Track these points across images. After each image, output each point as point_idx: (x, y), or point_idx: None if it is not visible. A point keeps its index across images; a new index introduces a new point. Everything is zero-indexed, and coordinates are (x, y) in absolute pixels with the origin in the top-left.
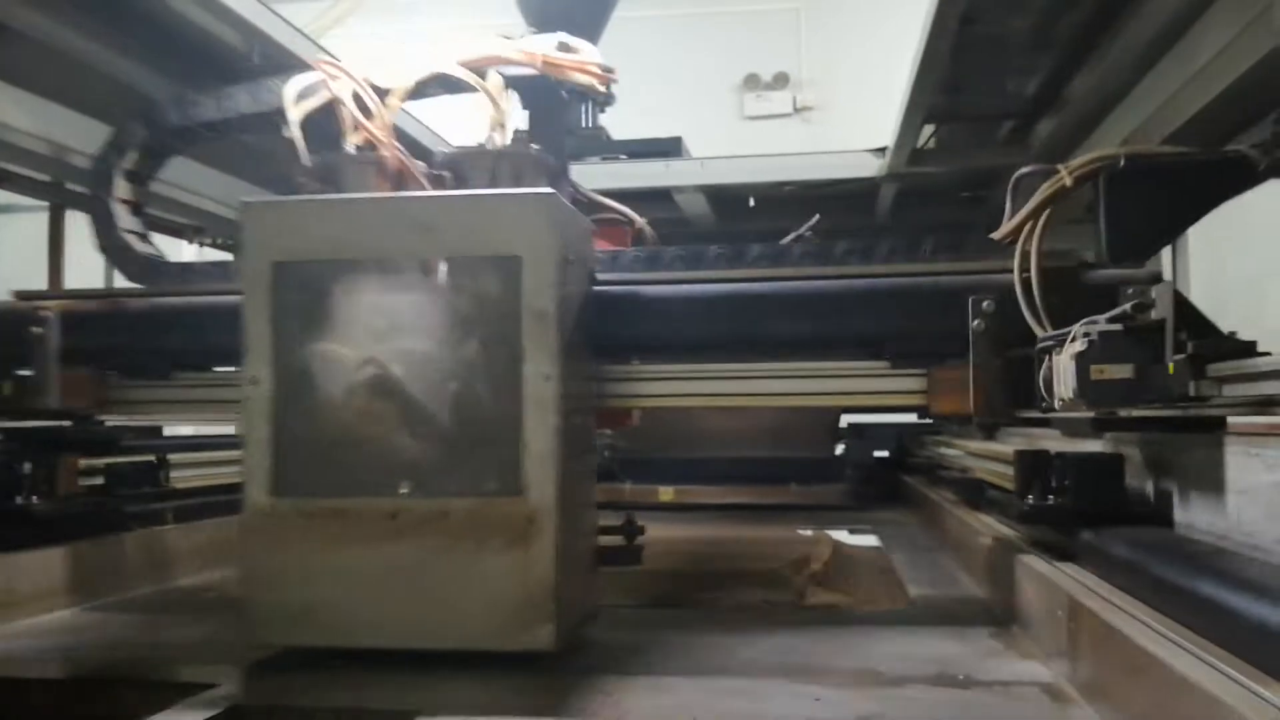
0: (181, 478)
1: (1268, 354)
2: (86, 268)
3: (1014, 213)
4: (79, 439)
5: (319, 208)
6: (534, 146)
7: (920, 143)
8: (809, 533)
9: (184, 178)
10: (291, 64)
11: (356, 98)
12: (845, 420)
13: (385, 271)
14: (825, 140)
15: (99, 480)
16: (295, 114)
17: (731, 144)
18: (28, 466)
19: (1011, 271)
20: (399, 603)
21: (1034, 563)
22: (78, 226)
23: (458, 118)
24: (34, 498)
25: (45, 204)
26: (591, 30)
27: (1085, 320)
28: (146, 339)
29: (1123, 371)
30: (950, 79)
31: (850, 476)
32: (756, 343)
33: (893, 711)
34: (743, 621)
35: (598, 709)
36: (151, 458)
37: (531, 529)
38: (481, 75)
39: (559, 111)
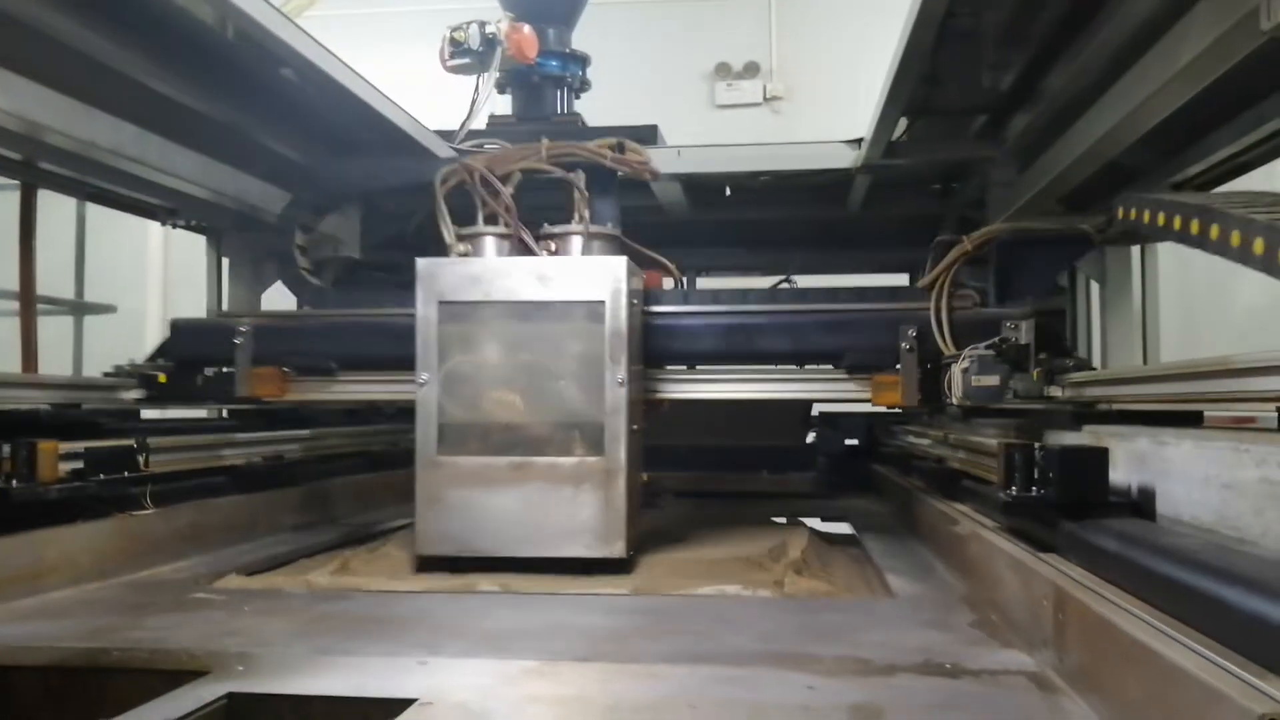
0: (160, 462)
1: (1094, 369)
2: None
3: (933, 268)
4: (57, 422)
5: (470, 264)
6: (609, 225)
7: (895, 135)
8: (783, 520)
9: (158, 158)
10: (266, 42)
11: (484, 182)
12: (818, 409)
13: (514, 308)
14: (794, 130)
15: (78, 464)
16: (441, 193)
17: (703, 132)
18: (6, 449)
19: (928, 309)
20: (523, 527)
21: (1016, 553)
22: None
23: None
24: (13, 481)
25: None
26: (568, 18)
27: (971, 346)
28: (317, 345)
29: (991, 381)
30: (928, 72)
31: (822, 465)
32: (754, 356)
33: (885, 700)
34: (724, 609)
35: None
36: (131, 441)
37: (610, 479)
38: (568, 167)
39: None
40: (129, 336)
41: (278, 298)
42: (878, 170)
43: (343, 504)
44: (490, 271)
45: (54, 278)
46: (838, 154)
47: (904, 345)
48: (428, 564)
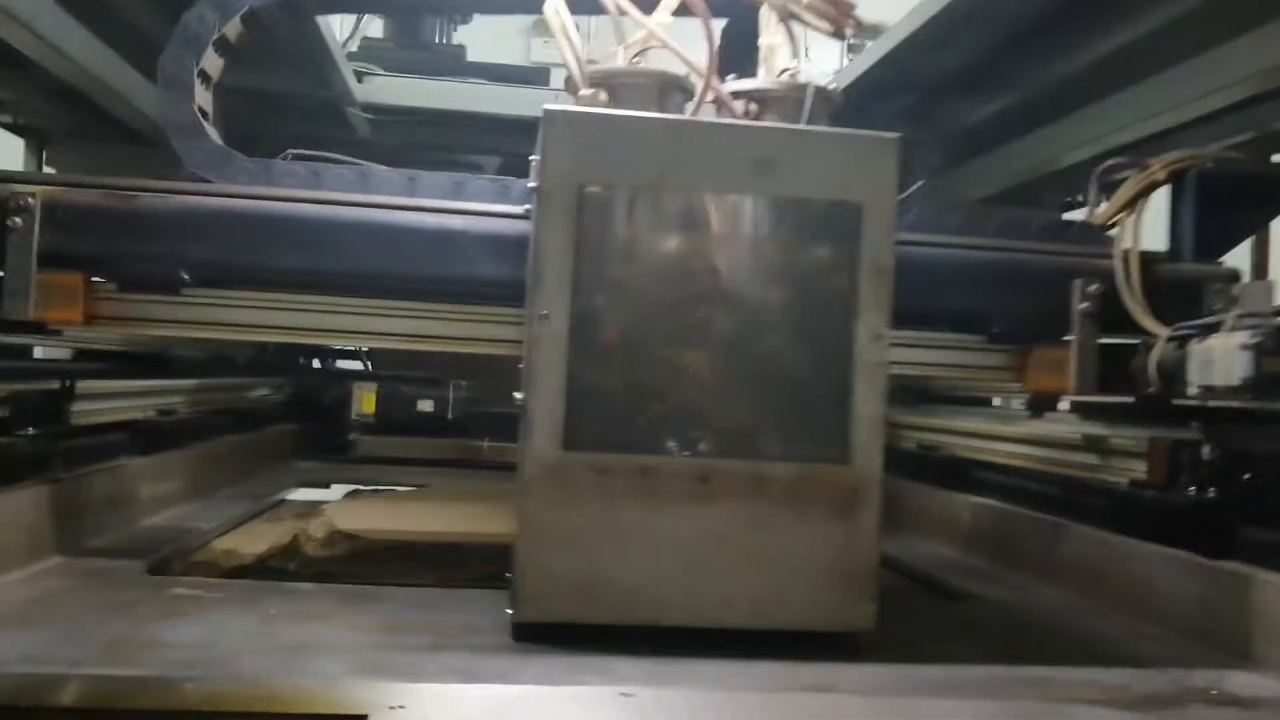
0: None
1: None
2: None
3: (1098, 202)
4: None
5: (640, 126)
6: (832, 85)
7: None
8: None
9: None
10: None
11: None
12: None
13: (708, 208)
14: None
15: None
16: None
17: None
18: None
19: (1107, 258)
20: (706, 575)
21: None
22: None
23: None
24: None
25: None
26: None
27: (1241, 312)
28: (156, 245)
29: None
30: None
31: None
32: None
33: None
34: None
35: None
36: (57, 384)
37: (856, 501)
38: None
39: None
40: None
41: None
42: None
43: (228, 467)
44: (680, 140)
45: None
46: None
47: (1080, 306)
48: (528, 633)
